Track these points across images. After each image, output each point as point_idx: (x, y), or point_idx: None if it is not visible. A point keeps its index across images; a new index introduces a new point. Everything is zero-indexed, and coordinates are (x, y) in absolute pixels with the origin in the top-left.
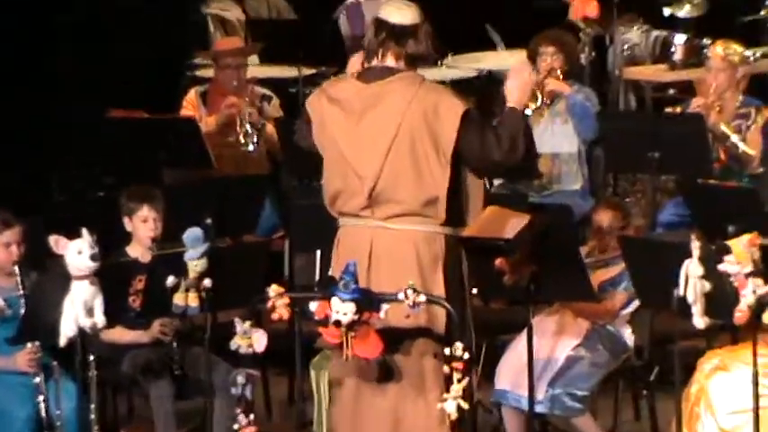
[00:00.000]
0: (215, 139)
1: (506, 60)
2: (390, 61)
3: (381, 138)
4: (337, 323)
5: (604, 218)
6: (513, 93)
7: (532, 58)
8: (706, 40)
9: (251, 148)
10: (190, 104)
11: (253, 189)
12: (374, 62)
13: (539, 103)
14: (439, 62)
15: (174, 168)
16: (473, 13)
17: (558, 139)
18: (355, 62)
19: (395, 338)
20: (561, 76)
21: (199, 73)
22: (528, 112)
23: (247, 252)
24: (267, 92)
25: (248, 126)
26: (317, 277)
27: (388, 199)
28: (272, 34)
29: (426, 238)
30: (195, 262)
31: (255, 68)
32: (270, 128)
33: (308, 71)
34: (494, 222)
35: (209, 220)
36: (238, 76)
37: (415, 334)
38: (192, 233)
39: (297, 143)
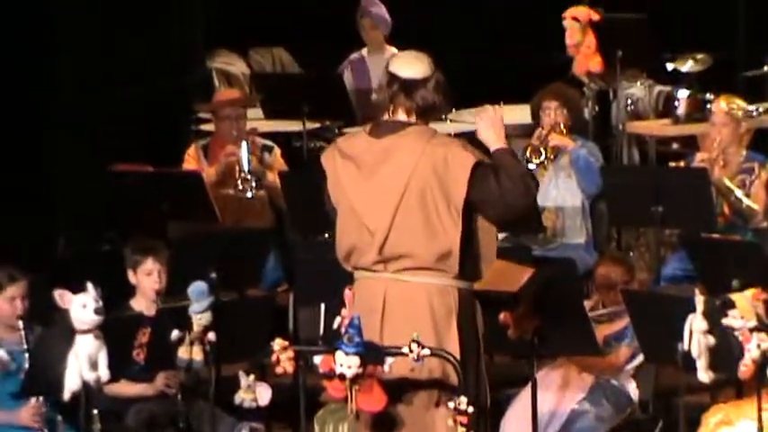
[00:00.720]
0: (216, 189)
1: (509, 114)
2: (401, 115)
3: (391, 192)
4: (342, 377)
5: (608, 272)
6: (488, 135)
7: (536, 113)
8: (709, 95)
9: (249, 194)
10: (191, 158)
11: (257, 243)
12: (385, 116)
13: (542, 157)
14: (443, 116)
15: (179, 221)
16: (477, 67)
17: (561, 193)
18: None
19: (400, 391)
20: (565, 131)
21: (203, 127)
22: (532, 166)
23: (252, 306)
24: (268, 142)
25: (247, 173)
26: (322, 331)
27: (399, 253)
28: (277, 88)
29: (440, 290)
30: (200, 315)
31: (260, 122)
32: (271, 176)
33: (312, 125)
34: (498, 276)
35: (213, 274)
36: (238, 127)
37: (421, 386)
38: (197, 287)
39: (328, 212)
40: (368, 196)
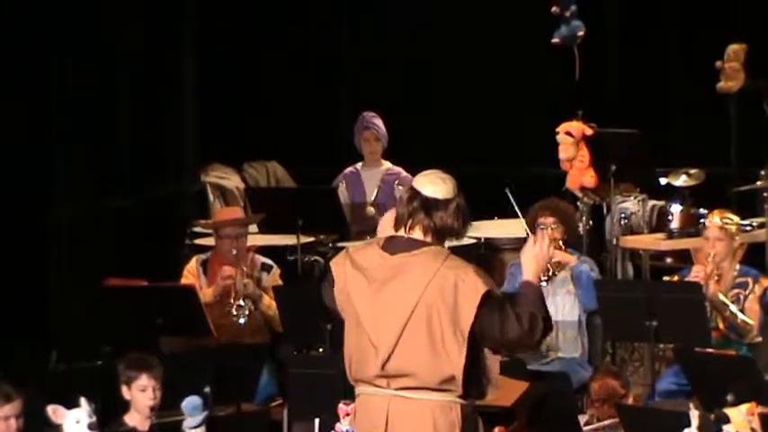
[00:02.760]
0: (214, 309)
1: (503, 229)
2: (418, 233)
3: (399, 310)
4: None
5: (603, 386)
6: (530, 265)
7: (531, 228)
8: (703, 210)
9: (242, 321)
10: (190, 273)
11: (251, 357)
12: (401, 232)
13: (550, 273)
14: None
15: (173, 336)
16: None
17: (560, 307)
18: (387, 220)
19: None
20: (562, 246)
21: (198, 241)
22: (543, 284)
23: (246, 420)
24: (268, 261)
25: (242, 300)
26: None
27: (402, 372)
28: (271, 202)
29: (443, 406)
30: (194, 430)
31: (254, 236)
32: (267, 299)
33: (306, 239)
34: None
35: (207, 389)
36: (238, 245)
37: None
38: (191, 401)
39: (325, 304)
40: (375, 311)
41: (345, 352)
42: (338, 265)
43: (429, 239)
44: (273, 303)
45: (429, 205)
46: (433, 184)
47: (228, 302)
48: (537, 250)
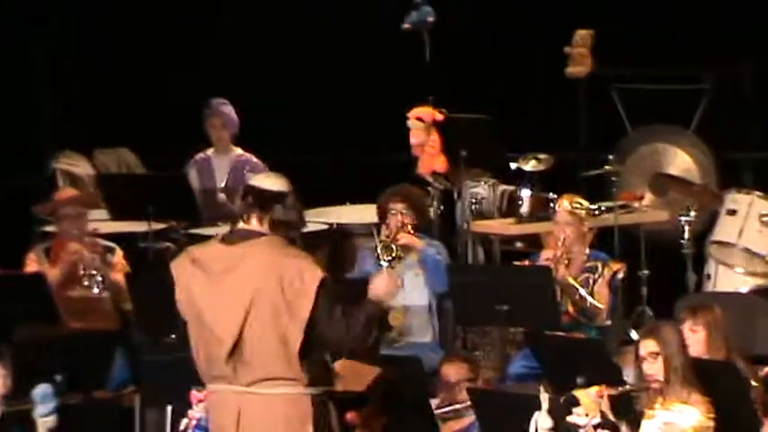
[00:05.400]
0: (61, 291)
1: (354, 214)
2: (255, 224)
3: (240, 300)
4: None
5: (454, 370)
6: (380, 288)
7: (383, 214)
8: (552, 195)
9: (96, 290)
10: (32, 262)
11: (103, 344)
12: (240, 225)
13: (394, 254)
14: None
15: (24, 324)
16: (322, 168)
17: (409, 291)
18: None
19: None
20: (412, 231)
21: (49, 228)
22: (383, 263)
23: (98, 408)
24: (110, 244)
25: (92, 270)
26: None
27: (248, 363)
28: (122, 189)
29: (293, 399)
30: (45, 419)
31: (105, 223)
32: (116, 276)
33: (157, 225)
34: (344, 376)
35: (59, 377)
36: (78, 225)
37: None
38: (41, 390)
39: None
40: (216, 303)
41: (194, 354)
42: (178, 265)
43: (265, 230)
44: (122, 280)
45: (265, 198)
46: (269, 179)
47: (78, 280)
48: (387, 281)
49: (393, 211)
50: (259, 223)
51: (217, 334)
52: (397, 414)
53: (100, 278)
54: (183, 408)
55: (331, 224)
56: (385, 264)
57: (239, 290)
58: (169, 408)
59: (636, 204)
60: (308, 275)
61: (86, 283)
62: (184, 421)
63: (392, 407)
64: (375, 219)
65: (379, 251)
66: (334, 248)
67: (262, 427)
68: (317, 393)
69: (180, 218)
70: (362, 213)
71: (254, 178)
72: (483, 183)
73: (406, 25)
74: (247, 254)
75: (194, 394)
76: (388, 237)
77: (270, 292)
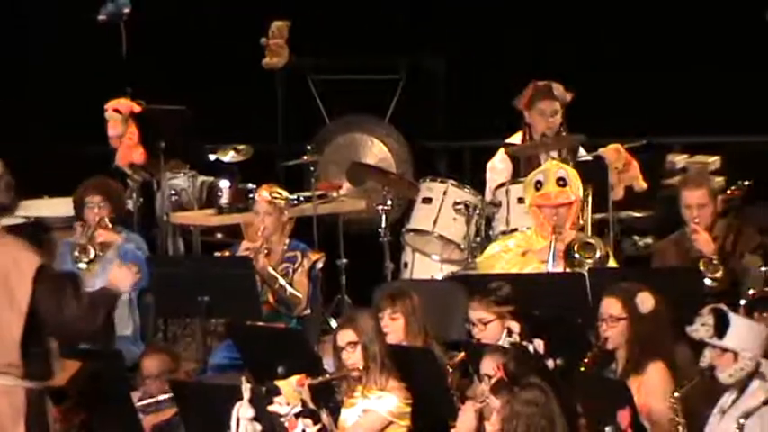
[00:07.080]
0: None
1: (52, 208)
2: None
3: None
4: None
5: (154, 362)
6: (122, 279)
7: (79, 208)
8: (251, 185)
9: None
10: None
11: None
12: None
13: (92, 255)
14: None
15: None
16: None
17: None
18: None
19: None
20: (110, 224)
21: None
22: (82, 265)
23: None
24: None
25: None
26: None
27: None
28: None
29: (7, 391)
30: None
31: None
32: None
33: None
34: None
35: None
36: None
37: None
38: None
39: None
40: None
41: None
42: None
43: None
44: None
45: None
46: None
47: None
48: (128, 273)
49: (90, 205)
50: None
51: None
52: (98, 408)
53: None
54: None
55: (29, 218)
56: (84, 266)
57: None
58: None
59: (334, 194)
60: (24, 263)
61: None
62: None
63: (92, 401)
64: (72, 212)
65: (76, 254)
66: (32, 243)
67: None
68: (34, 387)
69: None
70: (60, 207)
71: None
72: (182, 174)
73: (102, 17)
74: None
75: None
76: (85, 236)
77: None
